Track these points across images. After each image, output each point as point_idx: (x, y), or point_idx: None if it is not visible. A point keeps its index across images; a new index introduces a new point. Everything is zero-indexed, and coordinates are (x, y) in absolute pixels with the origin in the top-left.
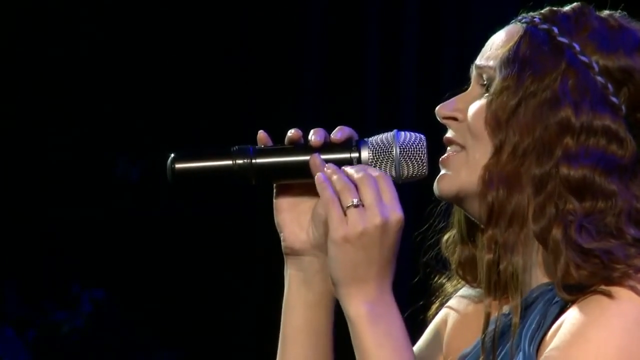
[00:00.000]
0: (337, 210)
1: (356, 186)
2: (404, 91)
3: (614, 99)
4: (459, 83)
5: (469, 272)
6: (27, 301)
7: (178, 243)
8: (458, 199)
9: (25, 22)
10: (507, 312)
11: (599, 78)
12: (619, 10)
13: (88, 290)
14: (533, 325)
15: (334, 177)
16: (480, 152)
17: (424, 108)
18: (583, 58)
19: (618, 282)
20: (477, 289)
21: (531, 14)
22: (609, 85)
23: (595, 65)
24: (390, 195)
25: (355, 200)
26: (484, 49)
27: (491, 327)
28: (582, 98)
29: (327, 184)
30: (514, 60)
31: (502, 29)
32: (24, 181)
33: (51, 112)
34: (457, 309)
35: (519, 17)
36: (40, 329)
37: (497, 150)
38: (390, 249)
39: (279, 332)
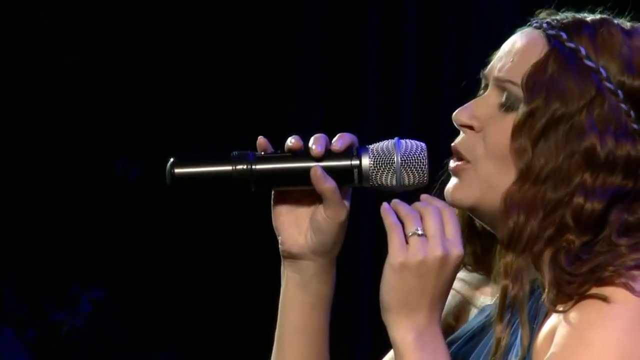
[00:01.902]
0: (398, 236)
1: (420, 216)
2: (403, 95)
3: (635, 126)
4: (459, 84)
5: (466, 255)
6: (27, 301)
7: (178, 243)
8: (470, 210)
9: (26, 23)
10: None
11: (622, 106)
12: None
13: (88, 291)
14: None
15: (399, 206)
16: (494, 170)
17: (424, 112)
18: (609, 85)
19: (610, 282)
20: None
21: (551, 20)
22: (632, 112)
23: (620, 92)
24: (453, 230)
25: (419, 229)
26: (503, 56)
27: (482, 317)
28: (607, 128)
29: (390, 211)
30: (541, 82)
31: (520, 33)
32: (24, 181)
33: (51, 112)
34: (454, 287)
35: (538, 22)
36: (40, 329)
37: (522, 175)
38: (445, 283)
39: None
